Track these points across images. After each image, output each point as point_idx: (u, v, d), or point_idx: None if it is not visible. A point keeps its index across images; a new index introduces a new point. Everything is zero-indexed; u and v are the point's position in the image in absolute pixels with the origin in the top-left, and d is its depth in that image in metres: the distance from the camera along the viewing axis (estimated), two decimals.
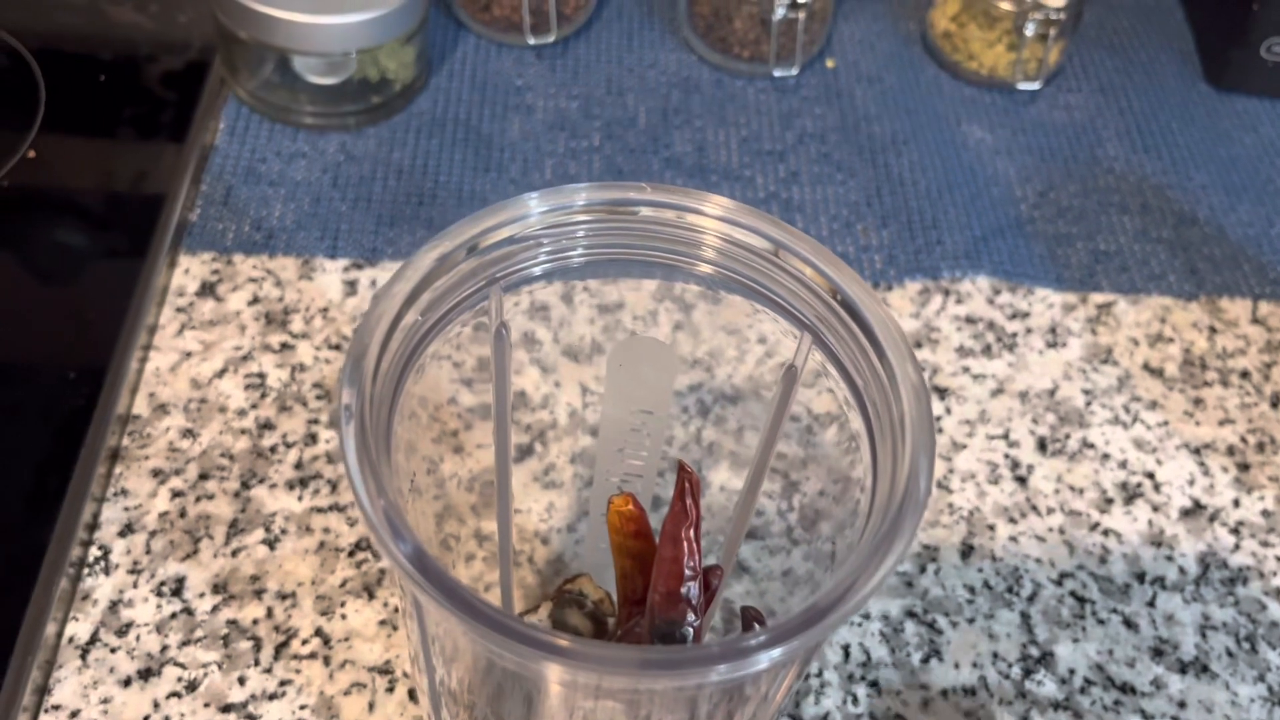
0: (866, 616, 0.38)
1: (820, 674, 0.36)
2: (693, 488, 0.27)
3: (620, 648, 0.20)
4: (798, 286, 0.24)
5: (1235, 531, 0.41)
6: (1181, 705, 0.37)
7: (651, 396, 0.27)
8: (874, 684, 0.36)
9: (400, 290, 0.21)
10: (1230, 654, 0.38)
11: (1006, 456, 0.42)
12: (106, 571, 0.36)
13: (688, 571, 0.27)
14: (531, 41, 0.52)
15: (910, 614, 0.38)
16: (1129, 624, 0.38)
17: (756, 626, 0.26)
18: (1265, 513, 0.41)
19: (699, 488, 0.27)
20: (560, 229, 0.23)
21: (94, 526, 0.37)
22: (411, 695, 0.35)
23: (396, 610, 0.36)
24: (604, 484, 0.29)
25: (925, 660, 0.37)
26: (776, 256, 0.24)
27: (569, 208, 0.23)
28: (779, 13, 0.50)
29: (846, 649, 0.37)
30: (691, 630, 0.27)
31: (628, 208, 0.23)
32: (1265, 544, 0.40)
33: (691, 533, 0.27)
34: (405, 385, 0.22)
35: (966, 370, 0.44)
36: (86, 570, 0.36)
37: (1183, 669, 0.37)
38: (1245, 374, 0.45)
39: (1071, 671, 0.37)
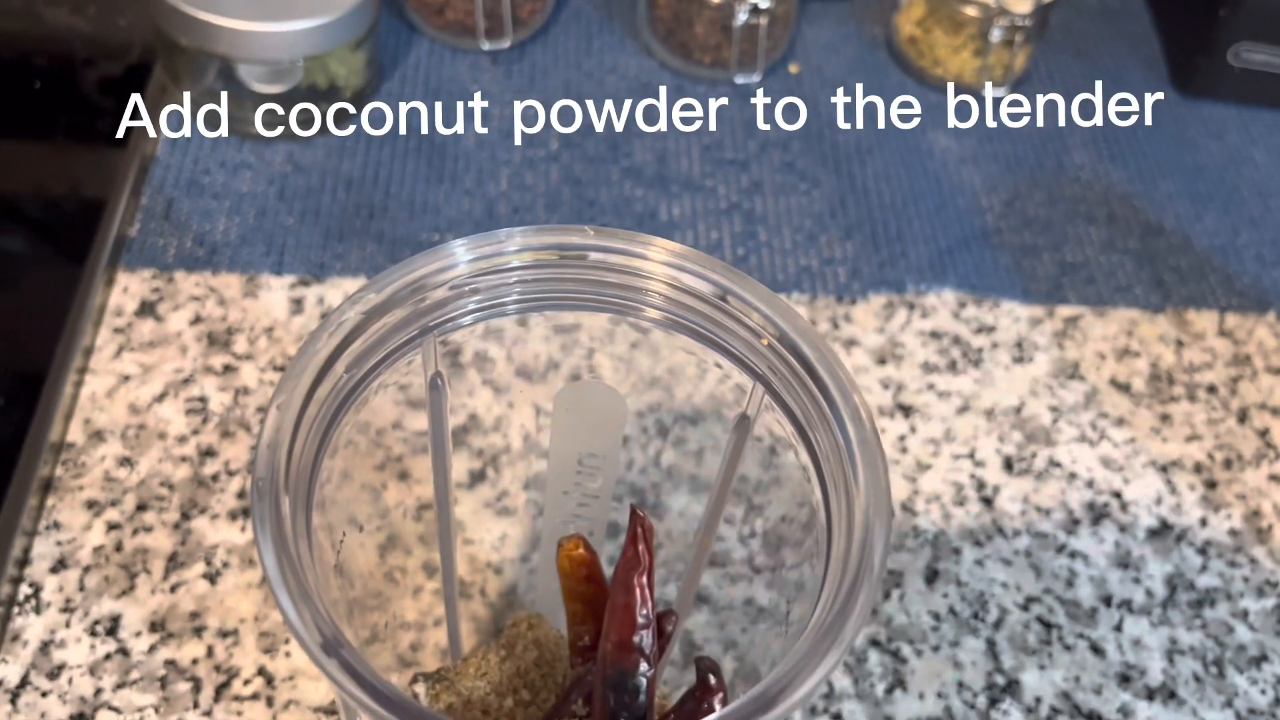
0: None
1: None
2: (645, 533, 0.26)
3: None
4: (748, 334, 0.23)
5: (1203, 552, 0.40)
6: None
7: (600, 441, 0.26)
8: (837, 716, 0.35)
9: (322, 350, 0.20)
10: (1198, 679, 0.37)
11: (973, 477, 0.41)
12: (37, 610, 0.35)
13: (641, 620, 0.26)
14: (486, 46, 0.51)
15: (874, 642, 0.37)
16: (1096, 650, 0.37)
17: (711, 679, 0.25)
18: (1232, 531, 0.41)
19: (652, 533, 0.26)
20: (494, 275, 0.22)
21: (24, 562, 0.36)
22: None
23: None
24: (554, 525, 0.28)
25: (889, 690, 0.36)
26: (725, 303, 0.23)
27: (501, 254, 0.22)
28: (740, 18, 0.49)
29: None
30: (645, 680, 0.26)
31: (567, 252, 0.22)
32: (1233, 564, 0.40)
33: (645, 579, 0.26)
34: (325, 454, 0.21)
35: (932, 387, 0.43)
36: (16, 609, 0.35)
37: (1150, 695, 0.37)
38: (1212, 389, 0.45)
39: (1038, 700, 0.36)
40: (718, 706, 0.25)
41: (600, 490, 0.27)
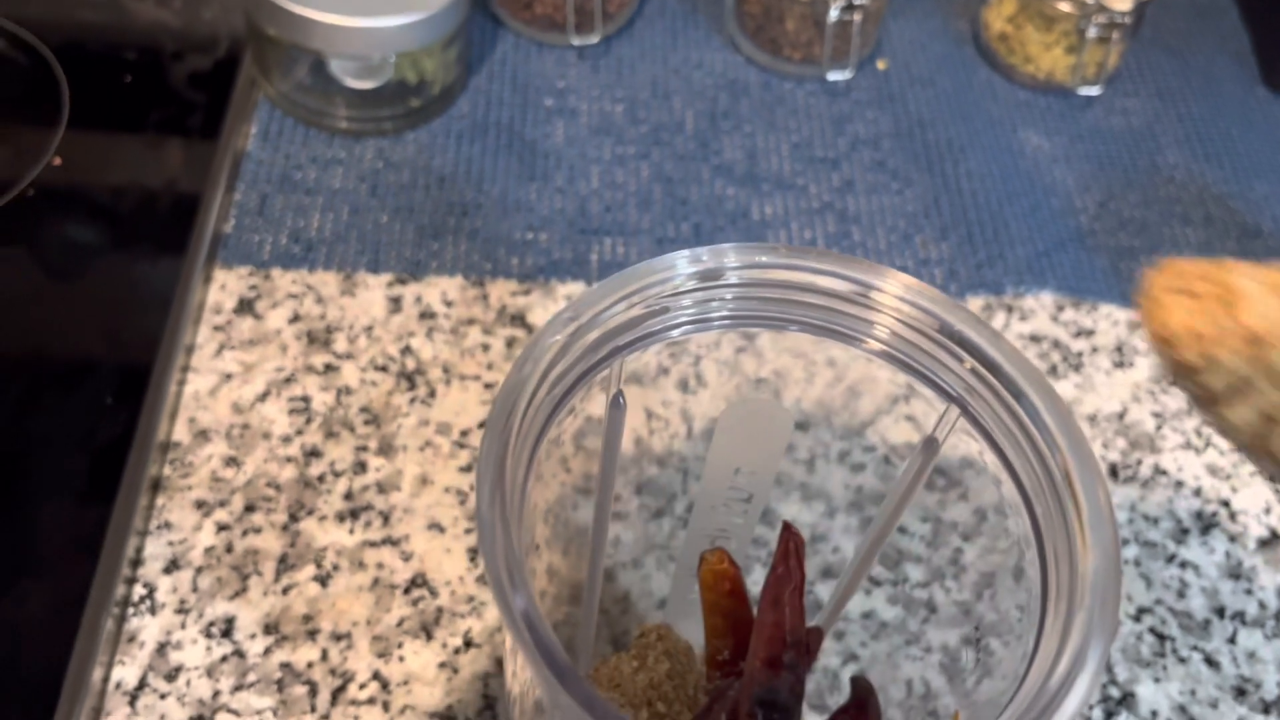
0: (928, 650, 0.37)
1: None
2: (797, 549, 0.25)
3: None
4: (949, 357, 0.22)
5: None
6: None
7: (759, 458, 0.25)
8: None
9: (533, 372, 0.20)
10: None
11: None
12: (153, 611, 0.35)
13: (791, 637, 0.25)
14: (575, 41, 0.50)
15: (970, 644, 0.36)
16: (1210, 662, 0.37)
17: (868, 702, 0.25)
18: None
19: (804, 549, 0.25)
20: (697, 293, 0.22)
21: (137, 562, 0.36)
22: None
23: (457, 651, 0.35)
24: (697, 537, 0.28)
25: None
26: (937, 333, 0.22)
27: (710, 272, 0.21)
28: (834, 14, 0.48)
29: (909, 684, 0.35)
30: (794, 698, 0.26)
31: (779, 272, 0.22)
32: None
33: (795, 596, 0.26)
34: (533, 470, 0.20)
35: None
36: (131, 610, 0.35)
37: (1266, 709, 0.36)
38: None
39: (1154, 713, 0.36)
40: None
41: (750, 506, 0.27)
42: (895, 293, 0.22)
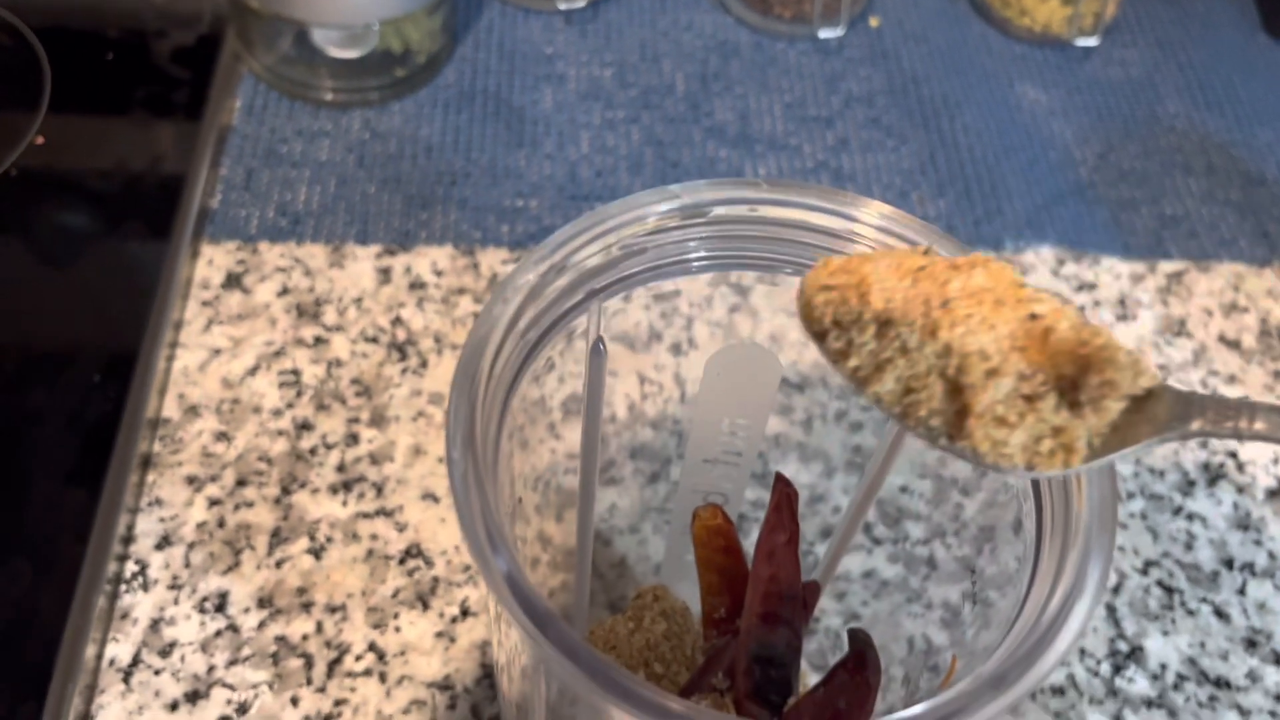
0: (929, 606, 0.36)
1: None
2: (791, 501, 0.25)
3: None
4: None
5: None
6: (1279, 699, 0.35)
7: (749, 406, 0.25)
8: None
9: (503, 314, 0.19)
10: None
11: None
12: (145, 587, 0.34)
13: (787, 591, 0.25)
14: (562, 6, 0.50)
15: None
16: (1220, 614, 0.36)
17: (867, 654, 0.24)
18: None
19: (797, 501, 0.25)
20: (675, 231, 0.21)
21: (129, 539, 0.35)
22: (475, 712, 0.33)
23: (454, 621, 0.34)
24: (689, 494, 0.27)
25: None
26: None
27: (688, 209, 0.21)
28: None
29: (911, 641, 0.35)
30: (791, 652, 0.25)
31: (749, 208, 0.21)
32: None
33: (790, 549, 0.25)
34: (504, 431, 0.20)
35: None
36: (124, 587, 0.34)
37: (1277, 660, 0.36)
38: None
39: (1163, 666, 0.35)
40: (872, 681, 0.25)
41: (742, 460, 0.26)
42: (875, 224, 0.22)
